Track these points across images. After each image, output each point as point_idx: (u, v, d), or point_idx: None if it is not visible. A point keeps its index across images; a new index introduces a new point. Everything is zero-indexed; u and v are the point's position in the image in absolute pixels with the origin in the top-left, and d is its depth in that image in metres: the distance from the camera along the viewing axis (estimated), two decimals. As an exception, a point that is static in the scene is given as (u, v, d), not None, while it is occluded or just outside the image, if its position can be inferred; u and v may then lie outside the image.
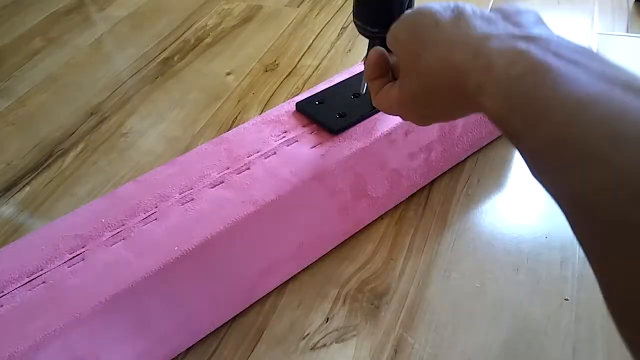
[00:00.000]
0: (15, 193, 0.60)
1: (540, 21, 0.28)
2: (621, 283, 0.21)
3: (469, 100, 0.28)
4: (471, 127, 0.54)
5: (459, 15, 0.30)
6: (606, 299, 0.22)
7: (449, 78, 0.29)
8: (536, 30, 0.27)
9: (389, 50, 0.36)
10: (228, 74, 0.76)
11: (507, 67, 0.26)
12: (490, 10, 0.30)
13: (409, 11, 0.33)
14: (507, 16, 0.29)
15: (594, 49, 0.25)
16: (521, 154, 0.26)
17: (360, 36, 0.43)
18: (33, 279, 0.37)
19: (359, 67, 0.53)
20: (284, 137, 0.46)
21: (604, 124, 0.21)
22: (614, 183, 0.20)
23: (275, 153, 0.45)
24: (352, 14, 0.42)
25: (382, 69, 0.37)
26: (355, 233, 0.51)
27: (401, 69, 0.34)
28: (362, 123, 0.47)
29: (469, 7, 0.30)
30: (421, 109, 0.34)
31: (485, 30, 0.28)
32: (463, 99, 0.29)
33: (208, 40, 0.84)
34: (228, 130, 0.49)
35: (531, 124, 0.24)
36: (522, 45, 0.26)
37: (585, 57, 0.24)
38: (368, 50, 0.43)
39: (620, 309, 0.21)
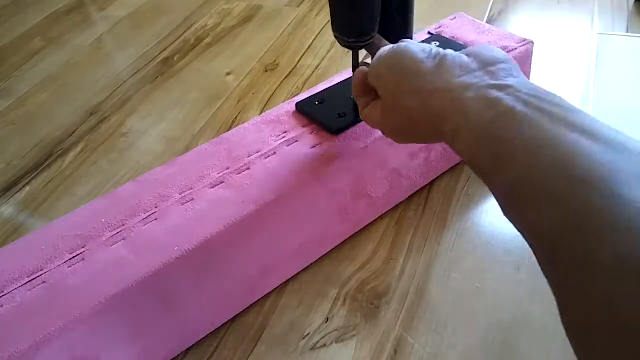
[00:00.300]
0: (15, 193, 0.60)
1: (513, 69, 0.31)
2: (577, 315, 0.22)
3: (445, 141, 0.32)
4: (471, 127, 0.54)
5: (440, 63, 0.32)
6: (565, 326, 0.23)
7: (428, 121, 0.32)
8: (509, 80, 0.30)
9: None
10: (228, 74, 0.76)
11: (480, 113, 0.28)
12: (469, 54, 0.33)
13: (390, 49, 0.35)
14: (484, 64, 0.32)
15: (558, 95, 0.28)
16: (492, 193, 0.28)
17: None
18: (33, 279, 0.37)
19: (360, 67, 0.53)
20: (284, 137, 0.46)
21: (562, 166, 0.23)
22: (572, 224, 0.22)
23: (275, 153, 0.45)
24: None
25: (366, 88, 0.39)
26: (355, 233, 0.51)
27: (382, 103, 0.37)
28: (362, 123, 0.47)
29: (449, 56, 0.33)
30: (400, 137, 0.37)
31: (464, 80, 0.31)
32: (440, 139, 0.32)
33: (208, 40, 0.84)
34: (228, 130, 0.49)
35: (499, 164, 0.26)
36: (495, 93, 0.29)
37: (550, 104, 0.27)
38: (353, 60, 0.44)
39: (575, 336, 0.23)
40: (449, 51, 0.34)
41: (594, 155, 0.23)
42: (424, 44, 0.35)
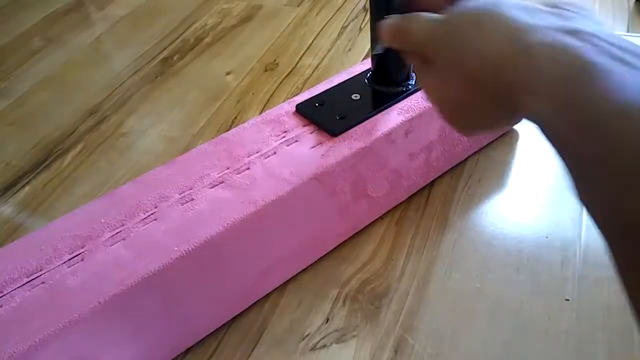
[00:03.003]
0: (15, 193, 0.60)
1: (592, 14, 0.25)
2: None
3: (512, 99, 0.25)
4: (471, 127, 0.54)
5: (497, 8, 0.27)
6: None
7: (492, 75, 0.26)
8: (584, 24, 0.24)
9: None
10: (228, 73, 0.76)
11: (551, 62, 0.23)
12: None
13: (445, 14, 0.30)
14: (551, 5, 0.26)
15: None
16: (565, 164, 0.22)
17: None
18: (32, 279, 0.37)
19: (359, 67, 0.53)
20: (283, 137, 0.46)
21: None
22: None
23: (275, 153, 0.45)
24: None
25: (410, 46, 0.33)
26: (355, 233, 0.51)
27: (443, 77, 0.30)
28: (363, 124, 0.47)
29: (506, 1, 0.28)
30: (465, 118, 0.31)
31: (527, 21, 0.25)
32: (506, 100, 0.26)
33: (208, 39, 0.84)
34: (228, 130, 0.49)
35: (582, 134, 0.21)
36: (567, 39, 0.23)
37: (636, 56, 0.21)
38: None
39: None
40: None
41: None
42: None
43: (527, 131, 0.60)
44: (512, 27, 0.25)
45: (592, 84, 0.21)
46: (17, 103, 0.75)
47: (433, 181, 0.55)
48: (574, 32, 0.23)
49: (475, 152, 0.58)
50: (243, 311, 0.46)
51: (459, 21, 0.28)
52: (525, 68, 0.24)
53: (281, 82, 0.73)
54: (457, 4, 0.29)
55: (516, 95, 0.25)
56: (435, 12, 0.32)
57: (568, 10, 0.26)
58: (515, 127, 0.60)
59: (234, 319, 0.45)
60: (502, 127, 0.31)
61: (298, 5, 0.90)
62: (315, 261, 0.49)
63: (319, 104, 0.49)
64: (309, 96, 0.50)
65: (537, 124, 0.24)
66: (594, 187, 0.21)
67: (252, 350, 0.43)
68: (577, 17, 0.25)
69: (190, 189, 0.42)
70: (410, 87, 0.49)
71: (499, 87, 0.26)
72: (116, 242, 0.39)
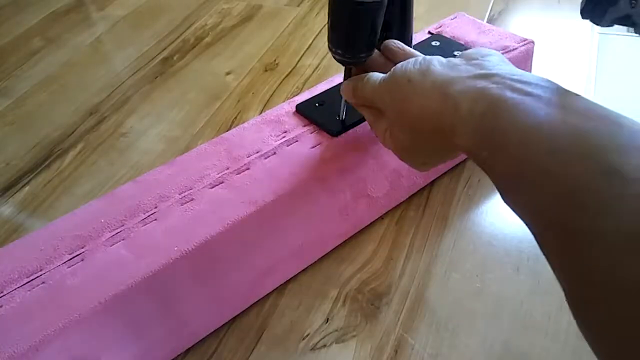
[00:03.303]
0: (15, 193, 0.60)
1: (500, 60, 0.32)
2: (580, 290, 0.23)
3: (449, 141, 0.31)
4: (471, 127, 0.54)
5: (425, 67, 0.33)
6: (571, 307, 0.23)
7: (428, 124, 0.32)
8: (495, 69, 0.30)
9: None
10: (228, 73, 0.76)
11: (471, 106, 0.29)
12: (458, 56, 0.34)
13: (387, 75, 0.37)
14: (469, 59, 0.32)
15: (550, 79, 0.28)
16: (492, 181, 0.28)
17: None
18: (32, 280, 0.37)
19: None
20: (284, 137, 0.46)
21: (557, 146, 0.24)
22: (572, 201, 0.22)
23: (275, 153, 0.45)
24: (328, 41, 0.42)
25: (367, 102, 0.39)
26: (356, 233, 0.51)
27: (391, 126, 0.37)
28: (363, 123, 0.47)
29: (435, 59, 0.34)
30: (415, 156, 0.37)
31: (450, 75, 0.31)
32: (445, 141, 0.32)
33: (208, 39, 0.84)
34: (228, 130, 0.49)
35: (497, 154, 0.27)
36: (481, 83, 0.29)
37: (538, 87, 0.27)
38: (344, 77, 0.43)
39: (581, 312, 0.23)
40: (435, 56, 0.35)
41: (587, 132, 0.23)
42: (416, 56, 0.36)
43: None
44: (439, 80, 0.32)
45: (500, 116, 0.27)
46: (17, 103, 0.75)
47: (433, 181, 0.55)
48: (485, 76, 0.29)
49: (475, 152, 0.58)
50: (243, 311, 0.46)
51: (397, 79, 0.35)
52: (454, 113, 0.30)
53: (281, 82, 0.73)
54: (397, 65, 0.36)
55: (449, 137, 0.31)
56: (383, 72, 0.38)
57: (480, 59, 0.32)
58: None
59: (234, 319, 0.45)
60: (449, 160, 0.39)
61: (298, 5, 0.90)
62: (315, 261, 0.49)
63: (319, 104, 0.49)
64: (309, 96, 0.50)
65: (466, 155, 0.30)
66: (512, 191, 0.27)
67: (252, 350, 0.43)
68: (487, 63, 0.31)
69: (190, 189, 0.42)
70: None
71: (435, 132, 0.32)
72: (116, 242, 0.39)
